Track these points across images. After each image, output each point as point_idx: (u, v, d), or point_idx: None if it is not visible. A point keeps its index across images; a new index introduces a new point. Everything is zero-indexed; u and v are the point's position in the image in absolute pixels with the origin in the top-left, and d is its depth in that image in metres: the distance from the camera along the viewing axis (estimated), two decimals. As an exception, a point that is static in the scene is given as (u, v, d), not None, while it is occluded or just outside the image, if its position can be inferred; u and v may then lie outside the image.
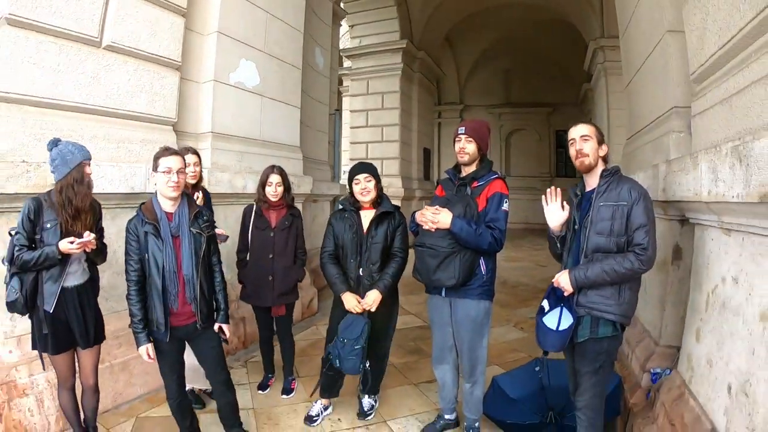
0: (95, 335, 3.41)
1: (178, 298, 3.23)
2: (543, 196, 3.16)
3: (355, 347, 3.69)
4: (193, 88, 5.46)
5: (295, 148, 7.06)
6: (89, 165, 3.22)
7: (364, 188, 3.80)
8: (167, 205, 3.27)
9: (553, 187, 3.14)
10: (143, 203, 3.32)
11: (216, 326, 3.46)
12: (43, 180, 3.67)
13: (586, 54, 13.46)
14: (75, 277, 3.28)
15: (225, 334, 3.51)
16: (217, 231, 3.96)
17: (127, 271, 3.23)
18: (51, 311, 3.16)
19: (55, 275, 3.18)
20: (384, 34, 14.48)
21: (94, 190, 3.37)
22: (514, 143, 22.96)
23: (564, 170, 22.24)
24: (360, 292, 3.82)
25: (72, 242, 3.03)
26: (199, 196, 4.21)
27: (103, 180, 3.80)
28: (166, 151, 3.24)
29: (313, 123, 8.39)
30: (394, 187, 13.77)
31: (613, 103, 11.37)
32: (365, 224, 3.86)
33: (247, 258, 4.48)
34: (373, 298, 3.74)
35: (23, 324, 3.70)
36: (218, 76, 5.60)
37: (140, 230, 3.19)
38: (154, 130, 4.82)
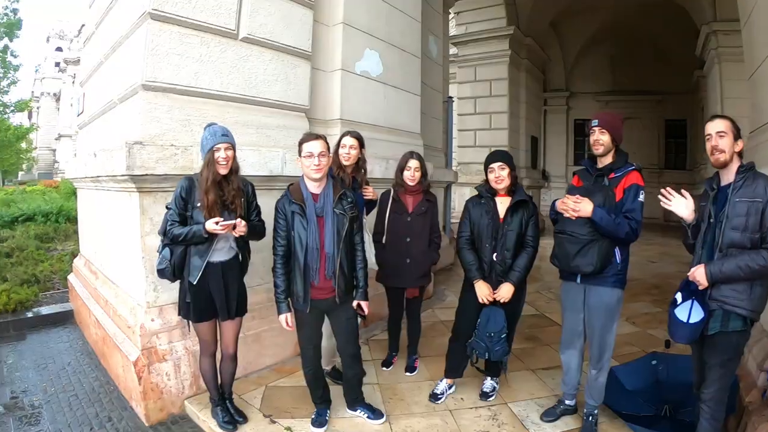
0: (237, 308, 3.59)
1: (319, 274, 3.38)
2: (660, 197, 3.14)
3: (501, 337, 3.82)
4: (321, 77, 5.57)
5: (416, 134, 7.07)
6: (223, 149, 3.33)
7: (498, 176, 3.80)
8: (312, 187, 3.39)
9: (666, 188, 3.15)
10: (291, 184, 3.47)
11: (354, 303, 3.58)
12: (189, 162, 3.91)
13: (698, 39, 12.52)
14: (221, 253, 3.46)
15: (363, 311, 3.62)
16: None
17: (274, 246, 3.43)
18: (195, 283, 3.38)
19: (202, 251, 3.38)
20: (490, 21, 14.14)
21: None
22: (621, 133, 21.51)
23: (674, 162, 20.93)
24: (492, 277, 3.86)
25: (217, 223, 3.20)
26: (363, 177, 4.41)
27: (244, 164, 3.92)
28: (309, 136, 3.37)
29: (429, 110, 8.37)
30: (502, 176, 13.23)
31: (727, 92, 10.61)
32: (500, 211, 3.86)
33: (383, 241, 4.52)
34: (506, 291, 3.78)
35: (165, 295, 4.04)
36: (345, 65, 5.68)
37: (287, 209, 3.36)
38: (289, 117, 4.98)
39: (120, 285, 4.68)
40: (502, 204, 3.87)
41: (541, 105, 20.20)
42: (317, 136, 3.38)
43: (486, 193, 3.93)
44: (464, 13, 14.66)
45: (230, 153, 3.38)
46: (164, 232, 3.37)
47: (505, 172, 3.80)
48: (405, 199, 4.48)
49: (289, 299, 3.47)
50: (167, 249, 3.39)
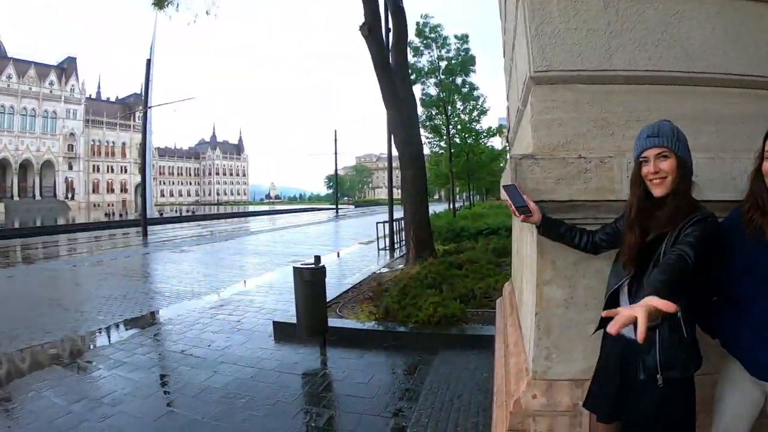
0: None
1: None
2: None
3: None
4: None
5: None
6: (652, 158, 1.96)
7: None
8: None
9: None
10: None
11: None
12: (608, 181, 2.50)
13: None
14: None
15: None
16: None
17: None
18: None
19: None
20: None
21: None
22: None
23: None
24: None
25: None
26: None
27: (698, 180, 2.34)
28: None
29: None
30: None
31: None
32: None
33: None
34: None
35: (562, 367, 2.71)
36: None
37: None
38: (763, 99, 2.89)
39: (524, 334, 3.46)
40: None
41: None
42: None
43: None
44: None
45: (667, 164, 1.93)
46: None
47: None
48: None
49: None
50: None
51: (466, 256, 10.92)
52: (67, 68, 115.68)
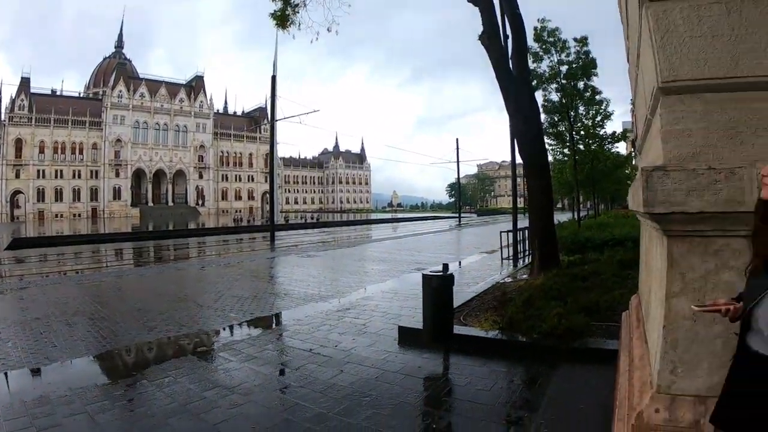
0: None
1: None
2: None
3: None
4: None
5: None
6: None
7: None
8: None
9: None
10: None
11: None
12: (738, 193, 2.44)
13: None
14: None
15: None
16: None
17: None
18: None
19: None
20: None
21: None
22: None
23: None
24: None
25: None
26: None
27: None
28: None
29: None
30: None
31: None
32: None
33: None
34: None
35: (686, 383, 2.66)
36: None
37: None
38: None
39: (650, 348, 3.41)
40: None
41: None
42: None
43: None
44: None
45: None
46: None
47: None
48: None
49: None
50: None
51: (591, 268, 10.63)
52: (195, 86, 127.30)
